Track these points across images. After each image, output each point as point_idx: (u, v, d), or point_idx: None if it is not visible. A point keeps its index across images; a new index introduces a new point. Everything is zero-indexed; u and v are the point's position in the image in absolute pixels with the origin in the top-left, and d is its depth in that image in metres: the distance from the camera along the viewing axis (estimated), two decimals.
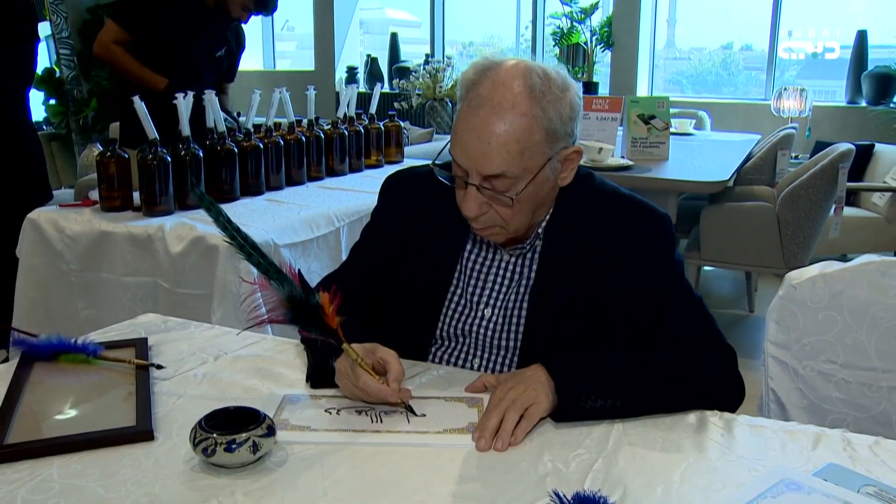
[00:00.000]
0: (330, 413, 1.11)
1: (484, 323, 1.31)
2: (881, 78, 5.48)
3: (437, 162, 1.33)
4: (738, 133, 5.17)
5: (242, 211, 2.36)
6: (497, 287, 1.30)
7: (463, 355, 1.33)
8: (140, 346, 1.35)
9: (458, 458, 0.99)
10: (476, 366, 1.32)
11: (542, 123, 1.13)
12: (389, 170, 3.33)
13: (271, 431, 0.98)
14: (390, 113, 3.54)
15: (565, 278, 1.25)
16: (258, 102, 2.65)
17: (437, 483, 0.93)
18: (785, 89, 5.26)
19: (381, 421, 1.08)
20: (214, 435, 0.95)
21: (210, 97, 2.47)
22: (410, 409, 1.10)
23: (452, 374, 1.26)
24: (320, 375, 1.19)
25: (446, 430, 1.06)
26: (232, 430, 0.96)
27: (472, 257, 1.32)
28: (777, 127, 5.36)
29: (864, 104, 5.69)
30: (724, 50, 7.28)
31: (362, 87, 7.66)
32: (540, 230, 1.27)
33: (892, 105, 5.44)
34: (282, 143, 2.72)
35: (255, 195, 2.60)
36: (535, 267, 1.27)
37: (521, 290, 1.29)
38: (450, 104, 5.84)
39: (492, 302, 1.31)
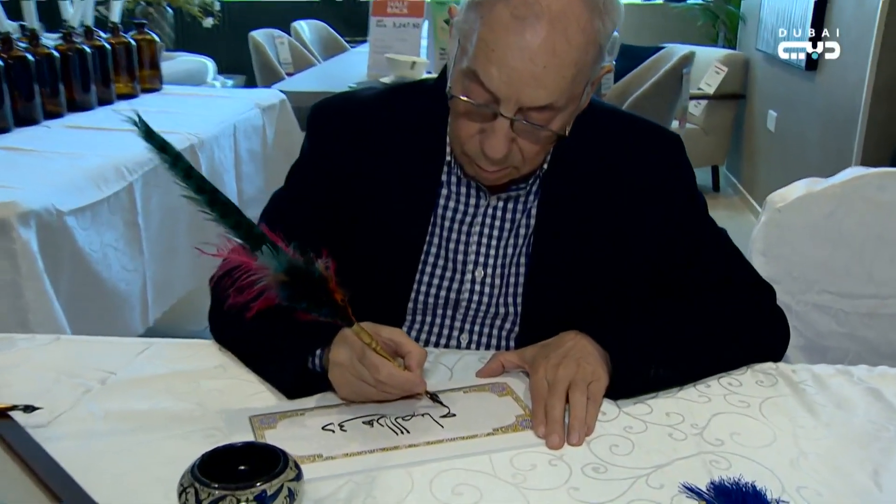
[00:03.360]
0: (333, 431, 1.02)
1: (476, 288, 1.26)
2: None
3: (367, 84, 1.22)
4: None
5: None
6: (486, 241, 1.26)
7: (445, 331, 1.28)
8: None
9: (538, 464, 0.96)
10: (464, 342, 1.28)
11: (598, 39, 1.07)
12: (148, 100, 3.10)
13: (300, 471, 0.87)
14: (135, 21, 3.23)
15: (574, 220, 1.23)
16: None
17: (538, 501, 0.89)
18: None
19: (408, 431, 1.01)
20: (218, 490, 0.81)
21: None
22: (437, 400, 1.06)
23: (442, 356, 1.21)
24: (298, 381, 1.09)
25: (497, 431, 1.02)
26: (245, 478, 0.84)
27: (451, 205, 1.26)
28: None
29: (661, 1, 6.25)
30: None
31: None
32: (545, 166, 1.24)
33: (693, 2, 6.03)
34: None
35: None
36: (533, 211, 1.25)
37: (518, 241, 1.25)
38: (170, 10, 5.47)
39: (481, 260, 1.26)
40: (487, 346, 1.28)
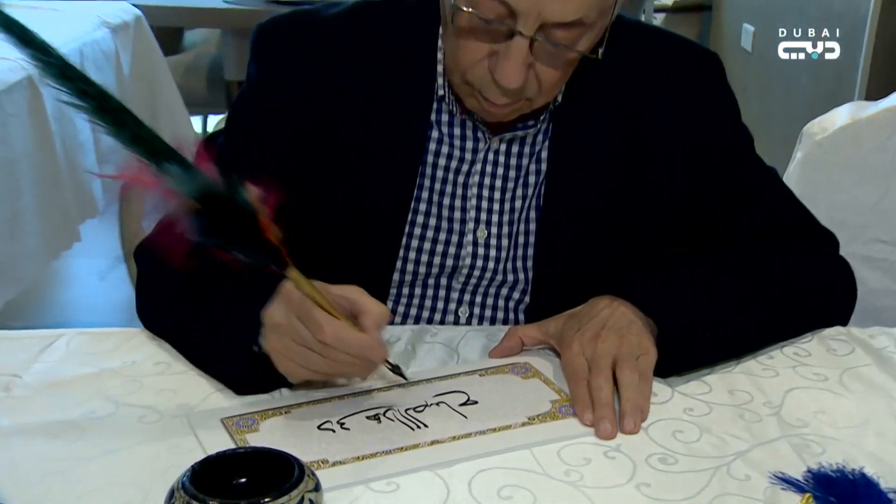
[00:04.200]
0: (333, 430, 1.04)
1: (479, 251, 1.29)
2: None
3: None
4: None
5: None
6: (487, 193, 1.29)
7: (440, 304, 1.31)
8: None
9: (592, 458, 1.00)
10: (464, 317, 1.32)
11: None
12: None
13: (318, 480, 0.89)
14: None
15: (593, 164, 1.27)
16: None
17: (605, 501, 0.93)
18: None
19: (425, 425, 1.05)
20: None
21: None
22: (399, 372, 1.09)
23: (440, 334, 1.25)
24: (246, 372, 1.09)
25: (533, 419, 1.06)
26: (249, 493, 0.85)
27: (444, 150, 1.27)
28: None
29: None
30: None
31: None
32: (559, 98, 1.26)
33: None
34: None
35: None
36: (544, 154, 1.28)
37: (527, 191, 1.29)
38: None
39: (483, 217, 1.29)
40: (493, 321, 1.32)
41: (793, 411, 1.10)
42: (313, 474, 0.89)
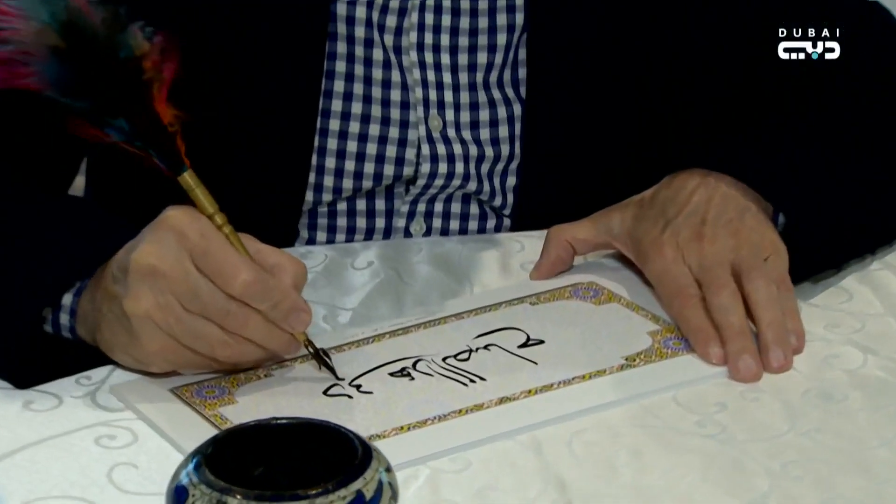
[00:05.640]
0: (349, 395, 0.99)
1: (438, 151, 1.23)
2: None
3: None
4: None
5: None
6: (434, 59, 1.20)
7: (380, 223, 1.26)
8: None
9: (727, 401, 0.96)
10: (417, 235, 1.27)
11: None
12: None
13: (388, 461, 0.82)
14: None
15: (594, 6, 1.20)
16: None
17: (768, 456, 0.87)
18: None
19: (481, 377, 1.00)
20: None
21: None
22: (326, 364, 1.01)
23: (423, 250, 1.22)
24: (31, 354, 0.96)
25: (633, 360, 1.01)
26: (276, 484, 0.79)
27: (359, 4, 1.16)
28: None
29: None
30: None
31: None
32: None
33: None
34: None
35: None
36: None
37: (495, 57, 1.21)
38: None
39: (433, 97, 1.19)
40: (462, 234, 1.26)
41: None
42: (379, 451, 0.84)
